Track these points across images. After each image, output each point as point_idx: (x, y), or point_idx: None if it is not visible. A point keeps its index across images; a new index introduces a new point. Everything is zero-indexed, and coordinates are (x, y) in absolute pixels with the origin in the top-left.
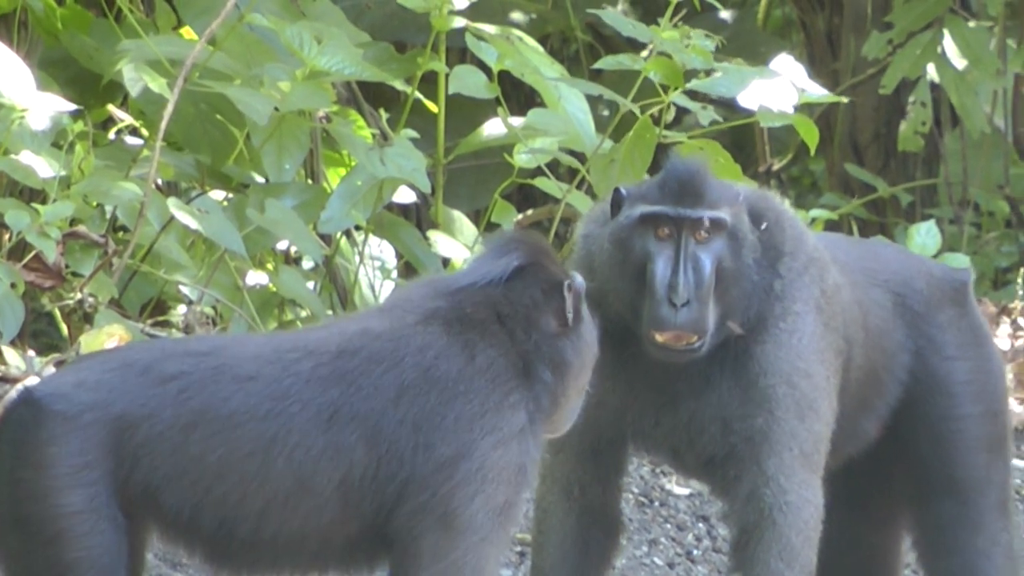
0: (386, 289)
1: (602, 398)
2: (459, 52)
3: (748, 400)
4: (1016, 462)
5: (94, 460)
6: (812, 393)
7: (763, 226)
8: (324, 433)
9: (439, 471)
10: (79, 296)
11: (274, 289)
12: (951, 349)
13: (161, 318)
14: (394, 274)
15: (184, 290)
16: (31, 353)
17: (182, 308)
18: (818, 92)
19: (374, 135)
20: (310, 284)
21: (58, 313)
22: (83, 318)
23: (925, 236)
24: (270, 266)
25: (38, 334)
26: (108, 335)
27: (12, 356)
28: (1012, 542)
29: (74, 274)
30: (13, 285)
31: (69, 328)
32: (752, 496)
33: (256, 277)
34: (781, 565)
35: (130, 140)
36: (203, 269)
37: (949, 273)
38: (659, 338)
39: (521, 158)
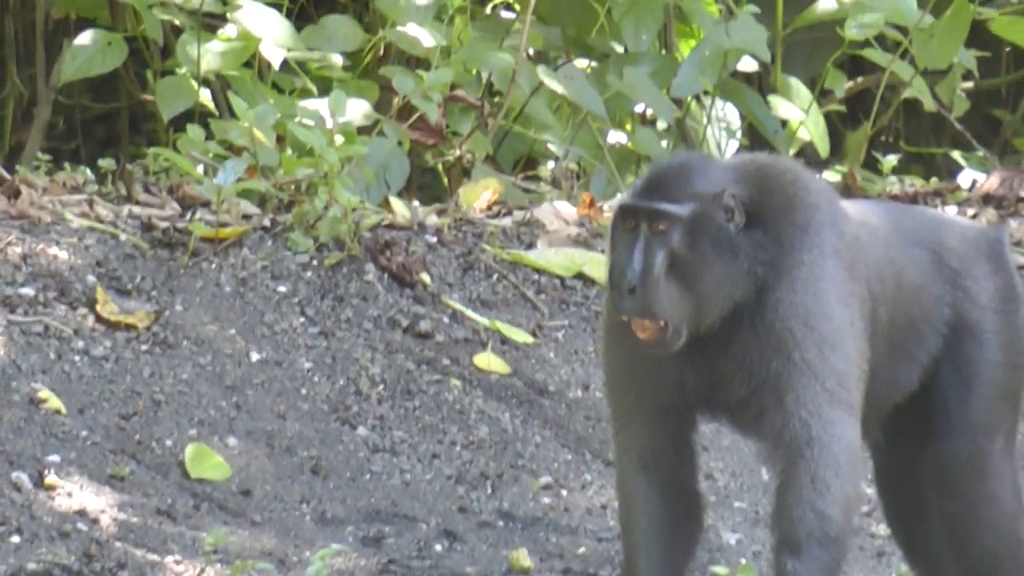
0: (731, 147)
1: (663, 367)
2: None
3: (765, 345)
4: None
5: None
6: (833, 334)
7: (739, 222)
8: None
9: None
10: (458, 153)
11: (632, 147)
12: (984, 299)
13: (531, 173)
14: (738, 134)
15: (551, 147)
16: (416, 203)
17: (550, 163)
18: None
19: (720, 10)
20: (663, 142)
21: (439, 168)
22: (461, 172)
23: None
24: (628, 126)
25: (422, 187)
26: (484, 188)
27: (399, 206)
28: (1017, 488)
29: (454, 133)
30: (400, 143)
31: (449, 181)
32: (780, 435)
33: (616, 136)
34: (813, 496)
35: (504, 14)
36: (568, 129)
37: (983, 231)
38: (639, 333)
39: (851, 31)
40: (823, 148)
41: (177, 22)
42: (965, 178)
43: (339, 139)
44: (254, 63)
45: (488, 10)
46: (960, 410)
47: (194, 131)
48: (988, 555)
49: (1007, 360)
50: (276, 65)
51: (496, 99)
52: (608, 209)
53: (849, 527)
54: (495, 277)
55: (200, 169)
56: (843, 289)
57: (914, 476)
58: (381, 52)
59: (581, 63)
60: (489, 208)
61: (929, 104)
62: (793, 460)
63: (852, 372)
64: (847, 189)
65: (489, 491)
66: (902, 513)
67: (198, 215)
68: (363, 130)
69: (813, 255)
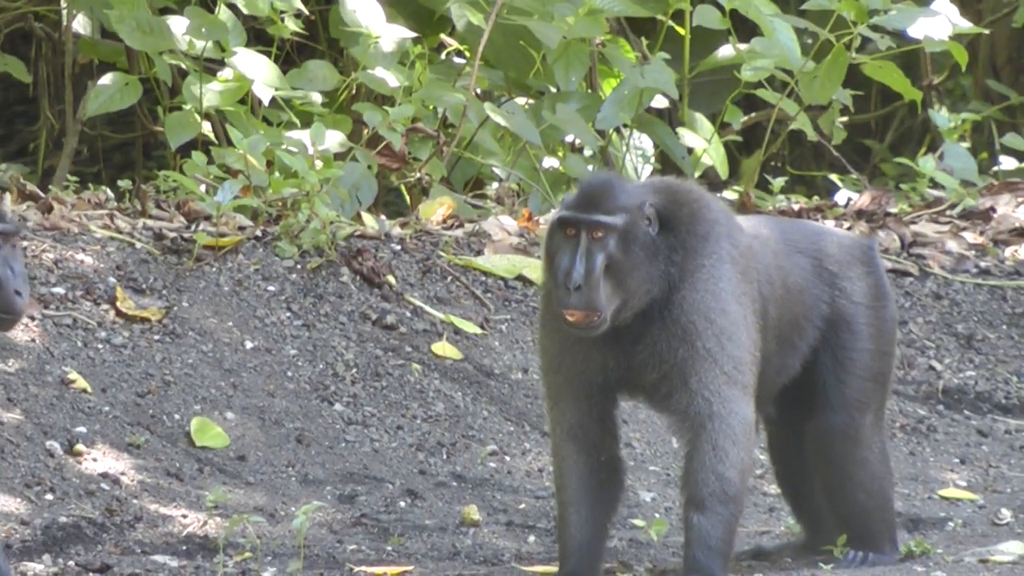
0: (646, 171)
1: (589, 354)
2: None
3: (673, 336)
4: None
5: None
6: (729, 326)
7: (655, 229)
8: None
9: None
10: (418, 175)
11: (563, 171)
12: (858, 297)
13: (479, 192)
14: (652, 160)
15: (496, 171)
16: (383, 217)
17: (495, 184)
18: (966, 25)
19: (637, 56)
20: (589, 167)
21: (403, 187)
22: (421, 191)
23: None
24: (560, 153)
25: (388, 203)
26: (439, 204)
27: (369, 219)
28: (884, 454)
29: (414, 159)
30: (369, 167)
31: (411, 199)
32: (686, 411)
33: (550, 161)
34: (715, 462)
35: (456, 60)
36: (510, 155)
37: (857, 240)
38: (568, 317)
39: (746, 74)
40: (723, 172)
41: (183, 66)
42: (841, 197)
43: (318, 164)
44: (247, 100)
45: (443, 56)
46: (837, 389)
47: (197, 157)
48: (860, 510)
49: (876, 348)
50: (266, 102)
51: (450, 130)
52: (543, 223)
53: (745, 487)
54: (449, 279)
55: (202, 189)
56: (737, 289)
57: (799, 445)
58: (354, 91)
59: (520, 100)
60: (444, 221)
61: (811, 135)
62: (697, 432)
63: (746, 358)
64: (743, 206)
65: (444, 457)
66: (789, 475)
67: (201, 227)
68: (339, 156)
69: (712, 260)
